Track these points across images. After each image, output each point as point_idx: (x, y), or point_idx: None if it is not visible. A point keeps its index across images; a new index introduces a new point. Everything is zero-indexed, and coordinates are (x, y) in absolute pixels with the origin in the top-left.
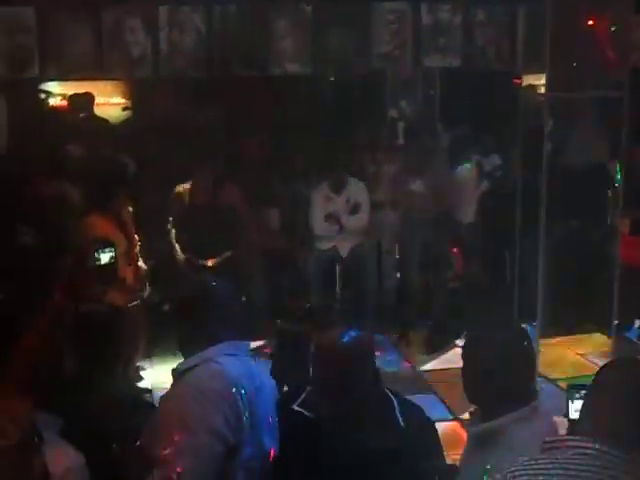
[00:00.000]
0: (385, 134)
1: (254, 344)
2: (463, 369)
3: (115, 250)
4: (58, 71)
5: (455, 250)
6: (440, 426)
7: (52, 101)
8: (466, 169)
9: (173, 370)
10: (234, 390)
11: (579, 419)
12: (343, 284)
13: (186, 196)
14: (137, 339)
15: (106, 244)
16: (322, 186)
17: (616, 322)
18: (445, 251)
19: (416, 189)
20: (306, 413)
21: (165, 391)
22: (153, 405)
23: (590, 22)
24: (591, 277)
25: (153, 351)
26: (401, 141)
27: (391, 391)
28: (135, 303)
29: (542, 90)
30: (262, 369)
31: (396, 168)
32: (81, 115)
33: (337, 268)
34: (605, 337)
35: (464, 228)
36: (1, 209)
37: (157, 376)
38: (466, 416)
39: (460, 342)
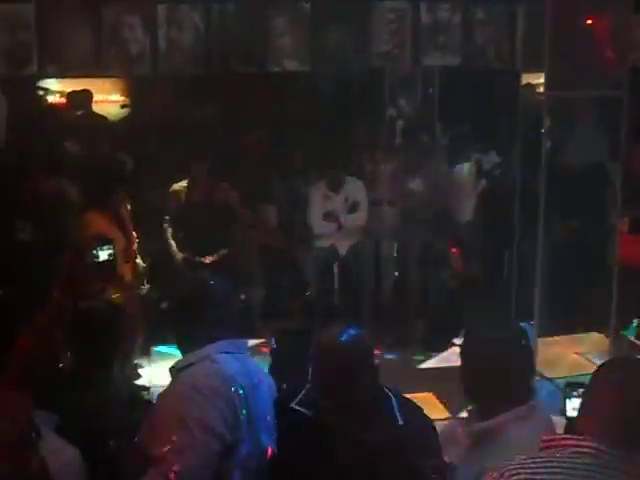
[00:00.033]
0: (384, 133)
1: (252, 342)
2: (461, 368)
3: (113, 247)
4: (57, 68)
5: (454, 249)
6: (438, 425)
7: (51, 98)
8: (465, 168)
9: (171, 368)
10: (231, 388)
11: (577, 418)
12: (341, 282)
13: (182, 194)
14: (135, 336)
15: (104, 241)
16: (320, 185)
17: (614, 321)
18: (444, 249)
19: (415, 188)
20: (305, 411)
21: (163, 389)
22: (150, 402)
23: (589, 21)
24: (590, 276)
25: (151, 349)
26: (400, 140)
27: (390, 390)
28: (133, 300)
29: (541, 89)
30: (260, 367)
31: (394, 167)
32: (79, 112)
33: (335, 266)
34: (603, 336)
35: (463, 227)
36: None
37: (155, 373)
38: (464, 415)
39: (458, 341)
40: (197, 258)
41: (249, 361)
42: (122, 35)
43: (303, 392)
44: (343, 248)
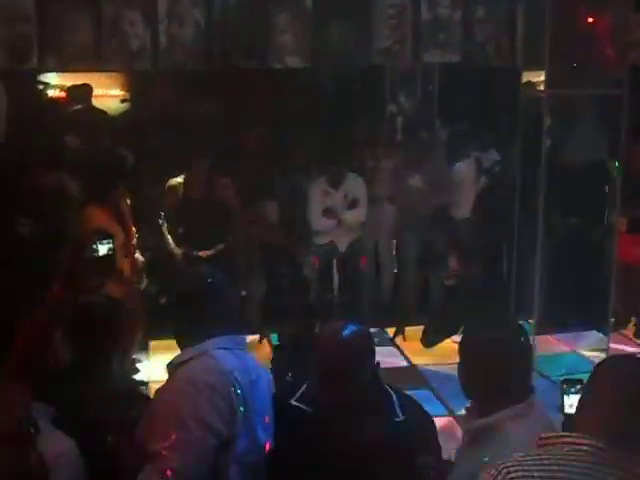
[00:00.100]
0: (384, 129)
1: (251, 337)
2: (459, 365)
3: (113, 242)
4: (57, 62)
5: (453, 245)
6: (436, 422)
7: (50, 92)
8: (465, 165)
9: (168, 364)
10: (228, 383)
11: (575, 416)
12: (341, 279)
13: (180, 189)
14: (134, 331)
15: (104, 236)
16: (320, 181)
17: (613, 319)
18: (443, 246)
19: (414, 184)
20: (304, 408)
21: (160, 384)
22: (148, 398)
23: (590, 19)
24: (588, 274)
25: (149, 344)
26: (400, 136)
27: (390, 386)
28: (132, 295)
29: (541, 87)
30: (258, 363)
31: (395, 163)
32: (79, 107)
33: (335, 263)
34: (602, 334)
35: (462, 223)
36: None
37: (153, 369)
38: (462, 412)
39: (457, 338)
40: (194, 252)
41: (247, 357)
42: (123, 29)
43: (303, 388)
44: (342, 244)
